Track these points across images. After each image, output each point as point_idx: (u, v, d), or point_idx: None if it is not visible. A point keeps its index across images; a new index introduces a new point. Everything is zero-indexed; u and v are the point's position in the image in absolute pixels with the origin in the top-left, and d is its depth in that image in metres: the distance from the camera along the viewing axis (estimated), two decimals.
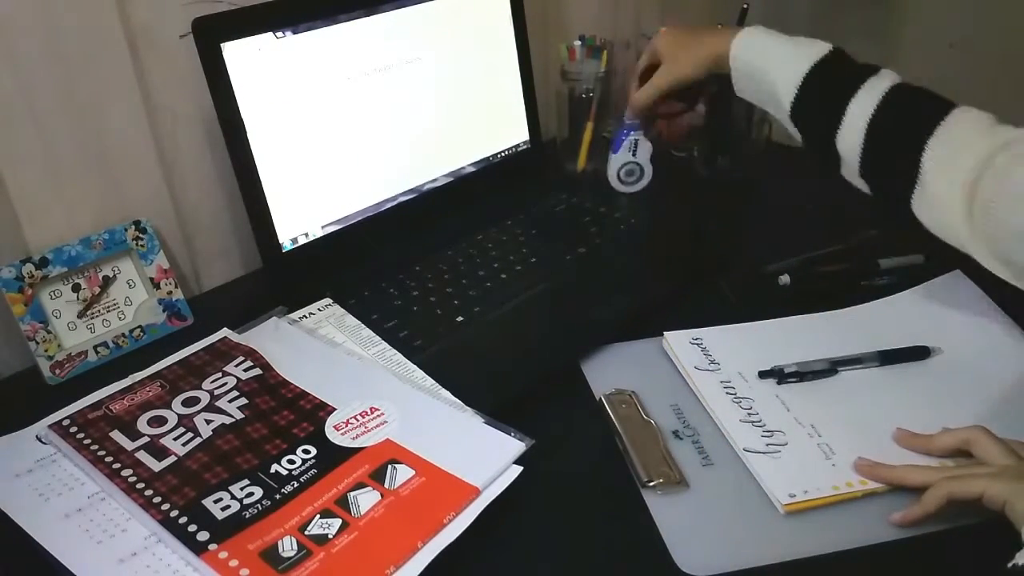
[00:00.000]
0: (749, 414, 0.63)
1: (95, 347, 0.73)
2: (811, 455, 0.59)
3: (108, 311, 0.76)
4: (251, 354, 0.68)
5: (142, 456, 0.58)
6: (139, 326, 0.76)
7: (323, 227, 0.81)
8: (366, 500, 0.54)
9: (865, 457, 0.58)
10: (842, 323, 0.74)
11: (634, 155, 0.92)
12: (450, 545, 0.51)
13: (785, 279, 0.78)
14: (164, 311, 0.78)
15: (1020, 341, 0.69)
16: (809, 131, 0.73)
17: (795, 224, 0.87)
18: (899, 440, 0.60)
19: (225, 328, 0.72)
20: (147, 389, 0.65)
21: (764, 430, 0.61)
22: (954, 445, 0.57)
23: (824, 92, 0.71)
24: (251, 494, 0.54)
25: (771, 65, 0.74)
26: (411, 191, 0.88)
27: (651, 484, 0.58)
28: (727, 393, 0.65)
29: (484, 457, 0.57)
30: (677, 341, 0.71)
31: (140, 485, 0.55)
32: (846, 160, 0.70)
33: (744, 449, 0.60)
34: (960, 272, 0.76)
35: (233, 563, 0.49)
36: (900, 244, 0.81)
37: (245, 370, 0.66)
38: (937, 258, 0.78)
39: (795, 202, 0.96)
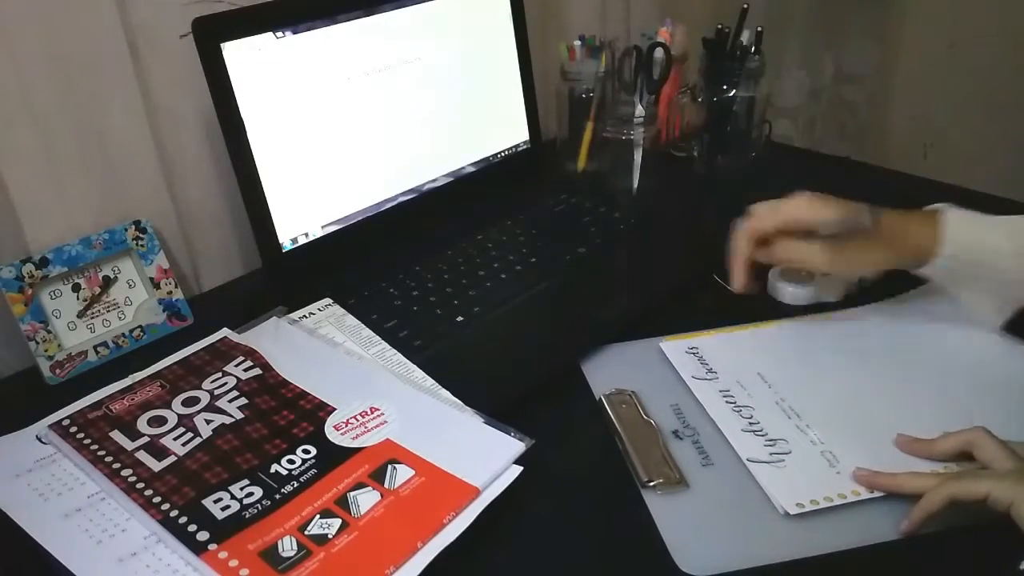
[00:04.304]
0: (750, 423, 0.63)
1: (95, 347, 0.73)
2: (815, 464, 0.59)
3: (108, 311, 0.76)
4: (251, 354, 0.68)
5: (142, 456, 0.58)
6: (139, 326, 0.76)
7: (323, 227, 0.81)
8: (366, 500, 0.54)
9: (866, 467, 0.57)
10: (836, 327, 0.73)
11: None
12: (450, 545, 0.51)
13: None
14: (164, 311, 0.78)
15: (1014, 345, 0.69)
16: None
17: None
18: (900, 445, 0.59)
19: (225, 328, 0.72)
20: (147, 389, 0.65)
21: (766, 439, 0.61)
22: (956, 448, 0.57)
23: None
24: (251, 494, 0.54)
25: None
26: (411, 191, 0.88)
27: (651, 484, 0.57)
28: (727, 402, 0.65)
29: (484, 457, 0.57)
30: (673, 351, 0.71)
31: (140, 485, 0.55)
32: None
33: (747, 459, 0.59)
34: None
35: (233, 563, 0.49)
36: None
37: (245, 370, 0.66)
38: None
39: None
